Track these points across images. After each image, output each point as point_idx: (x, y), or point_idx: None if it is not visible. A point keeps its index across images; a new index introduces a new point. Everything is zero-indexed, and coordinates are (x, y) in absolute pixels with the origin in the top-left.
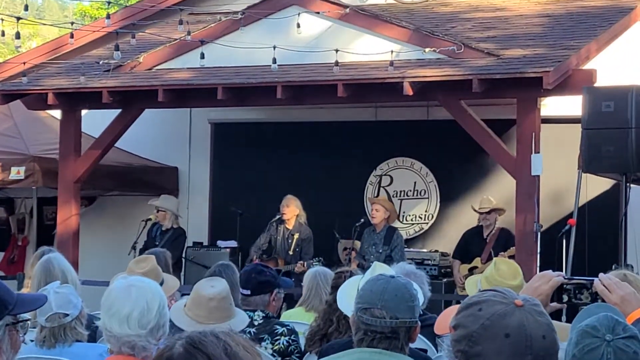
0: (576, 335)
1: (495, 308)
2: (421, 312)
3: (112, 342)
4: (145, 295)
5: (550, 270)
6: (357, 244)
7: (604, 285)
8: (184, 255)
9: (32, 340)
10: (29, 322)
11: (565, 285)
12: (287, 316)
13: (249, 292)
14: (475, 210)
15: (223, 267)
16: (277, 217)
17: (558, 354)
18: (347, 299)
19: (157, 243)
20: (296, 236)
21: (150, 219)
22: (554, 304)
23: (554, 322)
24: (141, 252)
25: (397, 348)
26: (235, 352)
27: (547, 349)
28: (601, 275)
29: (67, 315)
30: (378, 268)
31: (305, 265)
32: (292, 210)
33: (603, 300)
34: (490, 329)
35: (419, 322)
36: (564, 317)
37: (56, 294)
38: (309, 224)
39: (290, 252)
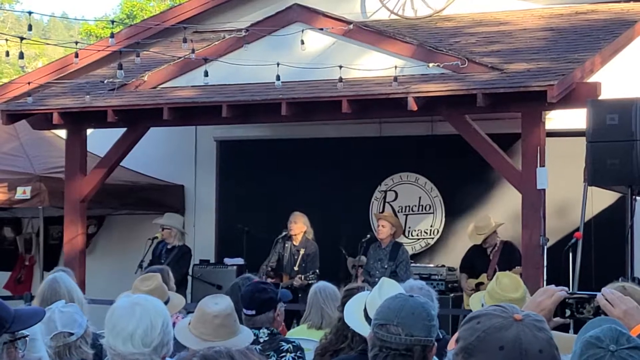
0: (580, 347)
1: (493, 321)
2: None
3: None
4: (149, 313)
5: (553, 285)
6: (364, 260)
7: (607, 300)
8: (190, 272)
9: None
10: (27, 338)
11: (567, 300)
12: (290, 335)
13: (253, 312)
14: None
15: (244, 279)
16: (284, 233)
17: None
18: (355, 316)
19: (162, 261)
20: (302, 252)
21: (156, 237)
22: (557, 319)
23: (559, 334)
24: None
25: None
26: None
27: None
28: (604, 289)
29: (72, 334)
30: (386, 283)
31: (303, 278)
32: (300, 227)
33: (606, 315)
34: (485, 342)
35: (435, 343)
36: (571, 331)
37: (61, 313)
38: (315, 240)
39: (296, 268)
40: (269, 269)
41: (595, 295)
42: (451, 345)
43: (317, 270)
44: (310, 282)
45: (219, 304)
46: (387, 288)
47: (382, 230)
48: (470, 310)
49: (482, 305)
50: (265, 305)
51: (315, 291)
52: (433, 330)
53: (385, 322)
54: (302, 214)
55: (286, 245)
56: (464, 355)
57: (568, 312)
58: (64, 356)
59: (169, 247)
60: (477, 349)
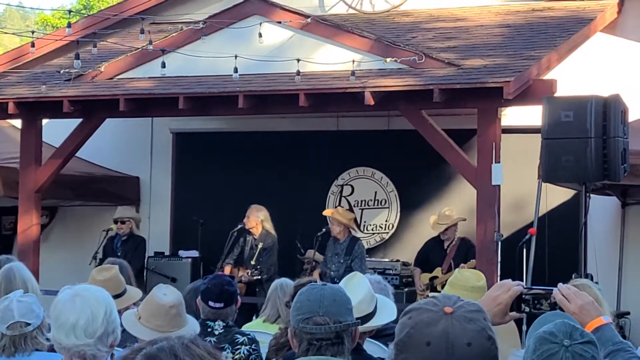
0: (534, 342)
1: (423, 316)
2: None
3: (63, 353)
4: (90, 303)
5: (510, 280)
6: (317, 256)
7: (562, 295)
8: (145, 265)
9: None
10: None
11: (524, 295)
12: (246, 328)
13: (222, 304)
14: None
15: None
16: (239, 226)
17: None
18: None
19: (119, 254)
20: (260, 246)
21: (111, 229)
22: (513, 313)
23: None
24: (101, 263)
25: (343, 354)
26: None
27: (472, 357)
28: (560, 285)
29: (29, 324)
30: (356, 278)
31: (249, 274)
32: (252, 221)
33: (562, 310)
34: (413, 338)
35: (359, 324)
36: (524, 327)
37: (19, 303)
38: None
39: (253, 262)
40: (233, 261)
41: (552, 290)
42: None
43: (264, 269)
44: (255, 278)
45: (169, 294)
46: (355, 282)
47: (332, 228)
48: None
49: None
50: (232, 297)
51: (275, 286)
52: (353, 312)
53: (309, 315)
54: (258, 206)
55: (247, 238)
56: (395, 352)
57: (525, 307)
58: (19, 346)
59: (123, 238)
60: (406, 345)
